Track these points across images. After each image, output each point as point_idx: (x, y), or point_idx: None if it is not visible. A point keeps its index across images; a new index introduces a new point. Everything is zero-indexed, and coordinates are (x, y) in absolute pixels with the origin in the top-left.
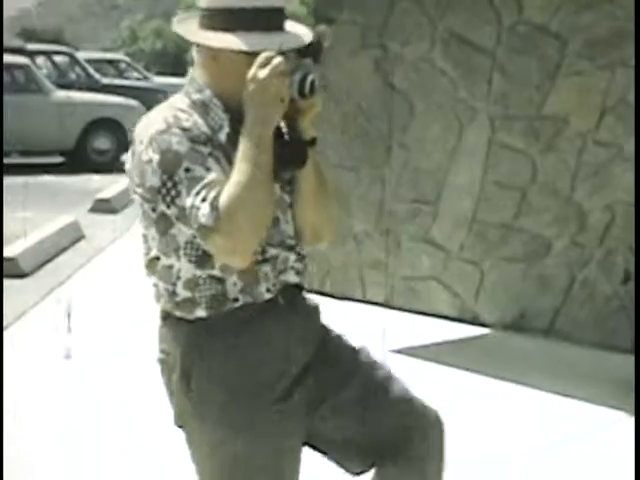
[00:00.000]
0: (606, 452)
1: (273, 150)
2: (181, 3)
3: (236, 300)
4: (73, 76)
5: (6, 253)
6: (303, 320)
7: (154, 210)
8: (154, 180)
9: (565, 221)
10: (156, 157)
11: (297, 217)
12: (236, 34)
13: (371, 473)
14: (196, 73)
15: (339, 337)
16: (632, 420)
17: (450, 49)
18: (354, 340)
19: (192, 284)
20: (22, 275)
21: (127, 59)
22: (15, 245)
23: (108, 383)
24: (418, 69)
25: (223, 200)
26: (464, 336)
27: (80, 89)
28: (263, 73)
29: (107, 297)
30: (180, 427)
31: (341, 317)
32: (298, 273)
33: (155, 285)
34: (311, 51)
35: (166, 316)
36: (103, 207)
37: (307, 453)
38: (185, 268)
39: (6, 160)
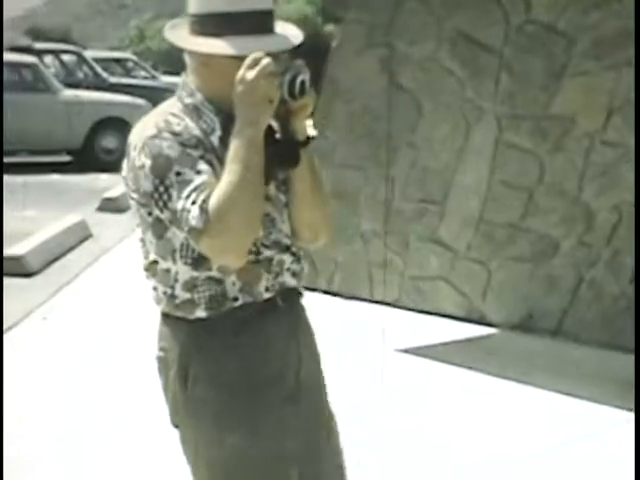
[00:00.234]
0: (612, 452)
1: (265, 151)
2: None
3: (236, 299)
4: (81, 75)
5: (13, 252)
6: (300, 325)
7: (150, 214)
8: (147, 185)
9: (572, 221)
10: (148, 162)
11: (293, 216)
12: (225, 39)
13: None
14: (188, 78)
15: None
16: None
17: (457, 48)
18: (359, 340)
19: (190, 285)
20: (29, 274)
21: (135, 58)
22: (22, 244)
23: (112, 383)
24: (425, 68)
25: (213, 202)
26: (471, 336)
27: (88, 88)
28: (251, 74)
29: (114, 296)
30: (176, 427)
31: (348, 316)
32: (294, 275)
33: (155, 288)
34: (309, 51)
35: (166, 316)
36: (110, 206)
37: None
38: (182, 270)
39: (14, 159)
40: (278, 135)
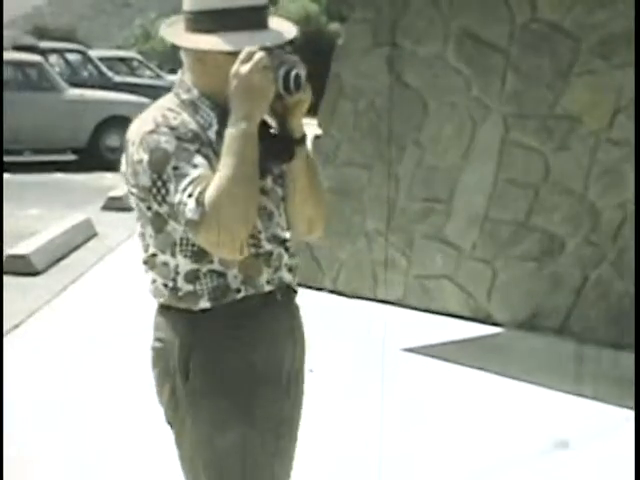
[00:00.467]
0: (617, 451)
1: (260, 145)
2: None
3: (238, 291)
4: (86, 74)
5: (18, 251)
6: (296, 323)
7: (149, 209)
8: (145, 180)
9: (578, 220)
10: (146, 157)
11: (289, 210)
12: (220, 35)
13: None
14: (184, 75)
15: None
16: None
17: (463, 47)
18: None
19: (192, 277)
20: (34, 273)
21: (139, 57)
22: (27, 243)
23: (117, 382)
24: (431, 67)
25: (209, 194)
26: (476, 335)
27: (93, 87)
28: (245, 68)
29: (119, 295)
30: (169, 424)
31: (352, 316)
32: (290, 270)
33: (154, 281)
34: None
35: (166, 308)
36: (115, 205)
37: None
38: (182, 263)
39: (19, 158)
40: (274, 130)
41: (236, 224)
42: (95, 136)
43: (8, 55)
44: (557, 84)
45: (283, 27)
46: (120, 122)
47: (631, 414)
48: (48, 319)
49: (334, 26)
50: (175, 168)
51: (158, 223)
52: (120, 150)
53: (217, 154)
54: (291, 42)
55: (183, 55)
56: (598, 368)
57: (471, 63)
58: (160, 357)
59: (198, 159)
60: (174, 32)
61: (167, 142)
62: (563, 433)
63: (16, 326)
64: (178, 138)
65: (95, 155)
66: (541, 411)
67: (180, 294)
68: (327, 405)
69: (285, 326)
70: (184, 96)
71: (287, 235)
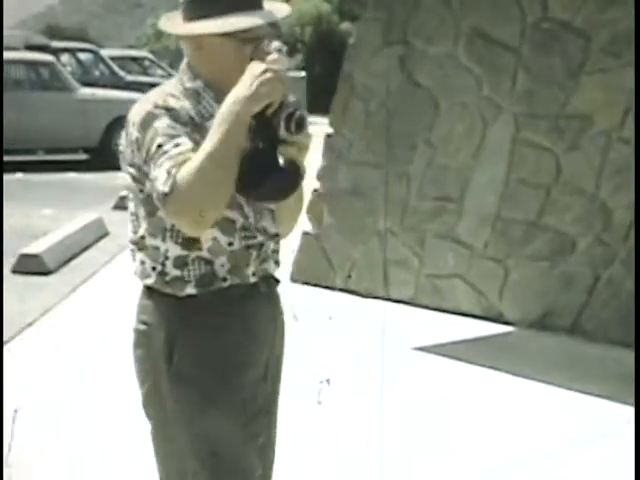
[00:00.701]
0: (629, 450)
1: (266, 175)
2: None
3: (224, 280)
4: (97, 73)
5: (31, 250)
6: (277, 312)
7: (141, 191)
8: (138, 158)
9: (589, 219)
10: (140, 136)
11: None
12: (214, 19)
13: None
14: (187, 64)
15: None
16: None
17: (474, 46)
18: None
19: (181, 263)
20: (47, 272)
21: (151, 56)
22: (39, 242)
23: (128, 382)
24: (442, 67)
25: (184, 169)
26: (488, 334)
27: (104, 86)
28: (270, 57)
29: (131, 294)
30: (145, 409)
31: (364, 315)
32: (277, 263)
33: (142, 262)
34: None
35: (152, 290)
36: (127, 204)
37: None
38: (172, 249)
39: (31, 157)
40: (282, 163)
41: (204, 202)
42: (107, 135)
43: (20, 54)
44: (568, 83)
45: (275, 7)
46: None
47: None
48: (60, 318)
49: (346, 25)
50: (159, 146)
51: (150, 206)
52: None
53: None
54: (304, 43)
55: (184, 46)
56: (609, 367)
57: (482, 62)
58: (144, 340)
59: (183, 139)
60: (172, 23)
61: (159, 121)
62: (574, 432)
63: (29, 325)
64: (171, 118)
65: (107, 154)
66: (552, 410)
67: (167, 278)
68: (339, 404)
69: (267, 315)
70: (188, 84)
71: (276, 230)
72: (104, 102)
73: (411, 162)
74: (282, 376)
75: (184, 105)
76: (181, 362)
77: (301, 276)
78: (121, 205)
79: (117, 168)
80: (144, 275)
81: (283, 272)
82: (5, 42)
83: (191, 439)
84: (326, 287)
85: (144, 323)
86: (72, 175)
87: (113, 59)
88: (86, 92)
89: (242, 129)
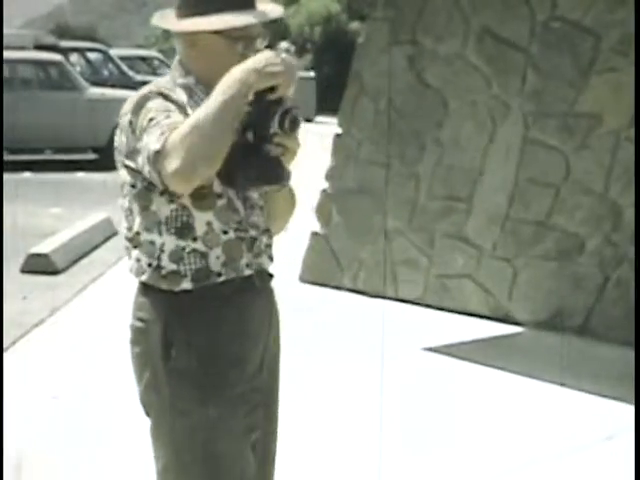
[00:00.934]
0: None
1: (253, 161)
2: None
3: (219, 275)
4: (106, 73)
5: (40, 250)
6: (272, 307)
7: (134, 187)
8: (132, 141)
9: (599, 219)
10: (134, 118)
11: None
12: (208, 17)
13: None
14: (180, 61)
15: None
16: None
17: (483, 45)
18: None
19: (177, 257)
20: (55, 272)
21: (160, 56)
22: (48, 242)
23: (131, 382)
24: (451, 65)
25: (178, 129)
26: (497, 334)
27: (113, 86)
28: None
29: None
30: (144, 406)
31: (372, 315)
32: (270, 258)
33: (138, 260)
34: None
35: (148, 287)
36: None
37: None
38: (168, 241)
39: (40, 157)
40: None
41: (198, 157)
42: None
43: (29, 54)
44: (577, 82)
45: (268, 8)
46: None
47: None
48: (68, 317)
49: (355, 25)
50: (151, 119)
51: (144, 201)
52: None
53: None
54: (313, 43)
55: (177, 42)
56: (619, 367)
57: (491, 61)
58: (141, 337)
59: (175, 114)
60: (166, 20)
61: (153, 102)
62: (583, 433)
63: (37, 324)
64: (164, 100)
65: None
66: (562, 411)
67: (163, 272)
68: (348, 403)
69: (262, 309)
70: (180, 80)
71: (267, 225)
72: (113, 102)
73: (420, 162)
74: (286, 376)
75: (178, 95)
76: (178, 358)
77: (310, 276)
78: None
79: None
80: (140, 272)
81: (292, 272)
82: (14, 41)
83: (188, 433)
84: (334, 287)
85: (140, 320)
86: (81, 175)
87: (122, 59)
88: (95, 92)
89: (243, 98)
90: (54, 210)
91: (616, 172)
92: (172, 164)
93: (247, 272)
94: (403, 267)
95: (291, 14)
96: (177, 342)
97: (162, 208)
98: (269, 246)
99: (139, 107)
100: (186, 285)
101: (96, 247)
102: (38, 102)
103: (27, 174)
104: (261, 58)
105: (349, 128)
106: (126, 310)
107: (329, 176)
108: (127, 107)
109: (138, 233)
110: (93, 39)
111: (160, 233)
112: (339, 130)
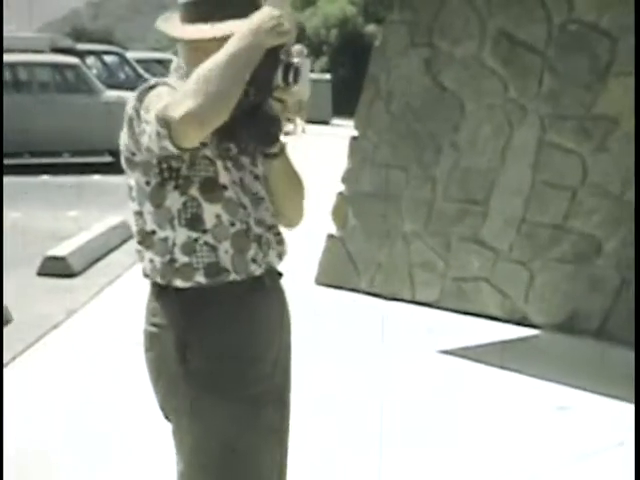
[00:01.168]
0: None
1: (251, 118)
2: None
3: (229, 272)
4: (122, 76)
5: (56, 252)
6: (284, 307)
7: (148, 184)
8: (137, 125)
9: (616, 222)
10: (138, 104)
11: (273, 204)
12: (212, 23)
13: None
14: (180, 63)
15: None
16: None
17: (500, 48)
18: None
19: (189, 249)
20: (72, 274)
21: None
22: (64, 245)
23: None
24: (468, 68)
25: (193, 74)
26: (513, 337)
27: (130, 89)
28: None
29: None
30: (163, 410)
31: (389, 317)
32: (279, 256)
33: (151, 260)
34: None
35: (162, 288)
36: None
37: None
38: (180, 233)
39: (57, 160)
40: (268, 111)
41: (211, 96)
42: None
43: (46, 57)
44: (594, 85)
45: None
46: None
47: None
48: (85, 320)
49: (371, 28)
50: (156, 97)
51: (158, 198)
52: None
53: None
54: (329, 46)
55: (179, 46)
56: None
57: (508, 64)
58: (156, 341)
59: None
60: (170, 25)
61: (157, 90)
62: (600, 436)
63: (54, 327)
64: (169, 87)
65: None
66: (579, 414)
67: (177, 265)
68: (362, 405)
69: (274, 308)
70: (180, 82)
71: (274, 222)
72: None
73: (437, 164)
74: (304, 378)
75: None
76: (193, 360)
77: (326, 279)
78: None
79: None
80: (153, 273)
81: (308, 274)
82: (31, 45)
83: (208, 434)
84: (351, 290)
85: (154, 325)
86: (97, 177)
87: (138, 61)
88: (111, 95)
89: (257, 52)
90: (71, 213)
91: (633, 174)
92: (183, 107)
93: (257, 272)
94: (419, 270)
95: (307, 17)
96: (192, 344)
97: (174, 203)
98: (277, 243)
99: (143, 95)
100: (199, 278)
101: (113, 250)
102: (55, 105)
103: (44, 177)
104: (266, 16)
105: (365, 131)
106: (142, 313)
107: (345, 179)
108: (130, 102)
109: (151, 233)
110: (109, 42)
111: (173, 228)
112: (355, 133)
